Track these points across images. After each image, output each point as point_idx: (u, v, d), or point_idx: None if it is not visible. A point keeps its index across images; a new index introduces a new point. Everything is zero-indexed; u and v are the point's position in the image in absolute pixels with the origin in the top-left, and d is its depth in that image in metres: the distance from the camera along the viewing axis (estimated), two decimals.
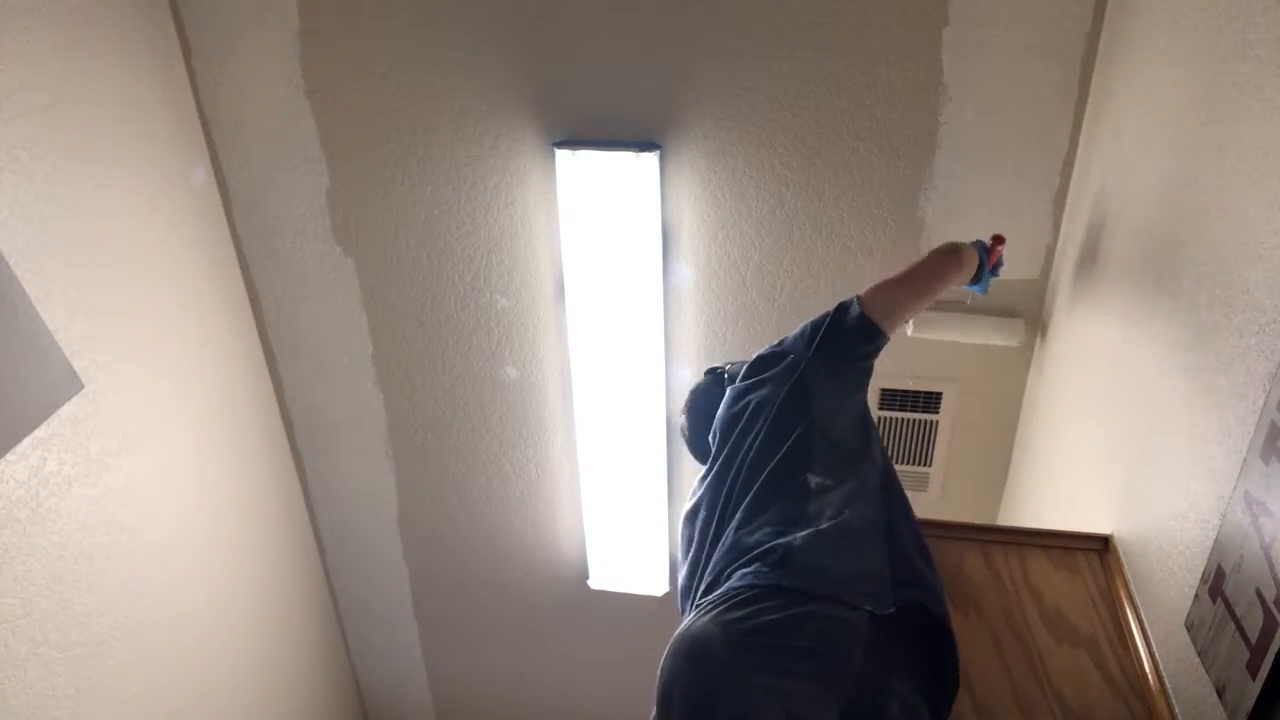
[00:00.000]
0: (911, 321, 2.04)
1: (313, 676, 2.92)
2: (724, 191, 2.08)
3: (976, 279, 1.63)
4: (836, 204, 2.04)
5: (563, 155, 2.05)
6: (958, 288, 1.66)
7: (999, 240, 1.67)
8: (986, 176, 1.94)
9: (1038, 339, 2.10)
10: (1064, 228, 1.95)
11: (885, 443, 2.30)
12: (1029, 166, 1.91)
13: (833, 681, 0.98)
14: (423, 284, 2.35)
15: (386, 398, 2.55)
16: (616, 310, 2.22)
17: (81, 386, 1.89)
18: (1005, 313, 2.09)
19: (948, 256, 1.53)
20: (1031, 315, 2.09)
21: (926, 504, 2.36)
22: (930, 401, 2.24)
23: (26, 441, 1.76)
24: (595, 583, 2.72)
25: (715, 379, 1.45)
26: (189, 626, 2.28)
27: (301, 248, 2.36)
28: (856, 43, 1.86)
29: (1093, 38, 1.76)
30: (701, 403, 1.44)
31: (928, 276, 1.48)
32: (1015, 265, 2.02)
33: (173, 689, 2.23)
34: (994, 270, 1.67)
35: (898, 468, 2.29)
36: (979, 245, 1.63)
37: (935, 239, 2.03)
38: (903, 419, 2.27)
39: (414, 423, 2.58)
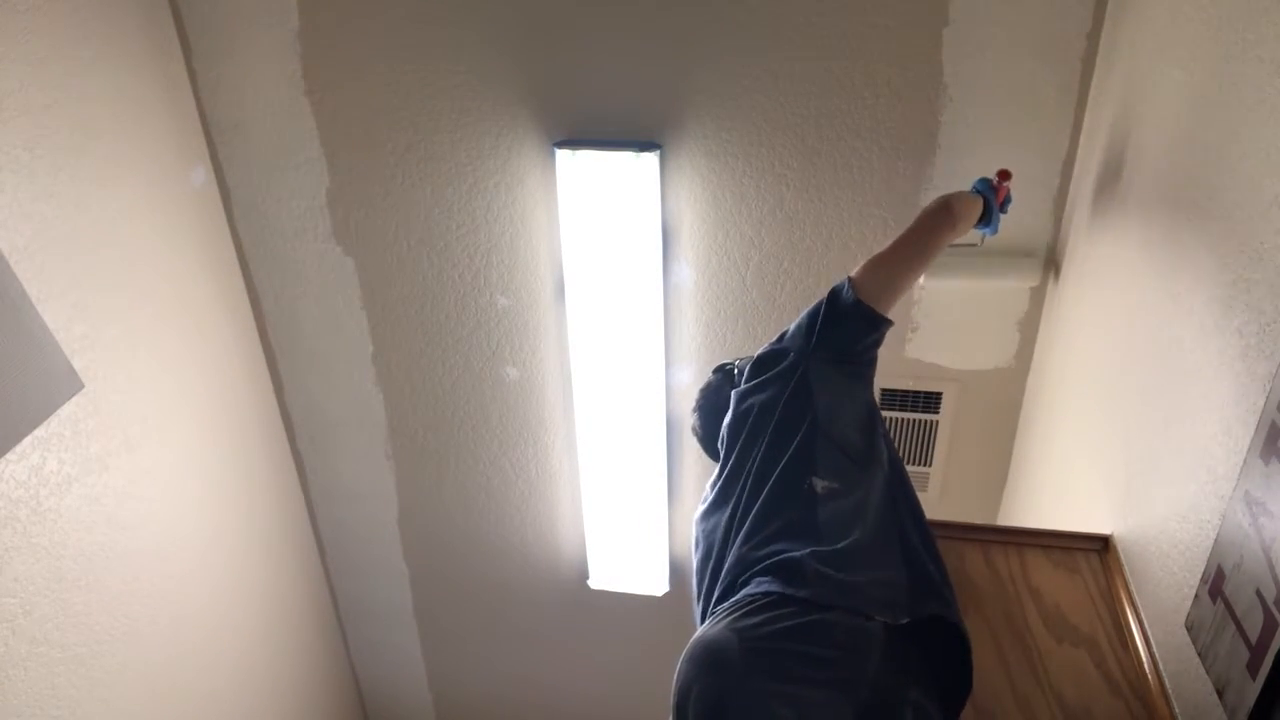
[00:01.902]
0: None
1: (313, 676, 2.92)
2: (724, 191, 2.09)
3: (986, 220, 1.55)
4: (836, 204, 2.04)
5: (563, 155, 2.05)
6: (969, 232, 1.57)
7: (1005, 175, 1.58)
8: (986, 177, 1.94)
9: (1038, 339, 2.10)
10: (1064, 226, 1.95)
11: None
12: (1029, 166, 1.91)
13: (847, 689, 0.97)
14: (423, 284, 2.35)
15: (386, 398, 2.55)
16: (616, 310, 2.22)
17: (81, 386, 1.89)
18: (1020, 251, 2.01)
19: (940, 215, 1.43)
20: (1029, 319, 2.09)
21: (926, 504, 2.32)
22: (930, 401, 2.24)
23: (26, 441, 1.76)
24: (595, 583, 2.72)
25: (725, 376, 1.42)
26: (189, 626, 2.28)
27: (301, 248, 2.36)
28: (856, 43, 1.86)
29: (1093, 38, 1.76)
30: (712, 401, 1.40)
31: (921, 243, 1.39)
32: (1017, 265, 2.02)
33: (173, 689, 2.24)
34: (1003, 207, 1.59)
35: None
36: (984, 184, 1.55)
37: None
38: (903, 419, 2.27)
39: (414, 423, 2.58)
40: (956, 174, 1.95)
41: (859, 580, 1.07)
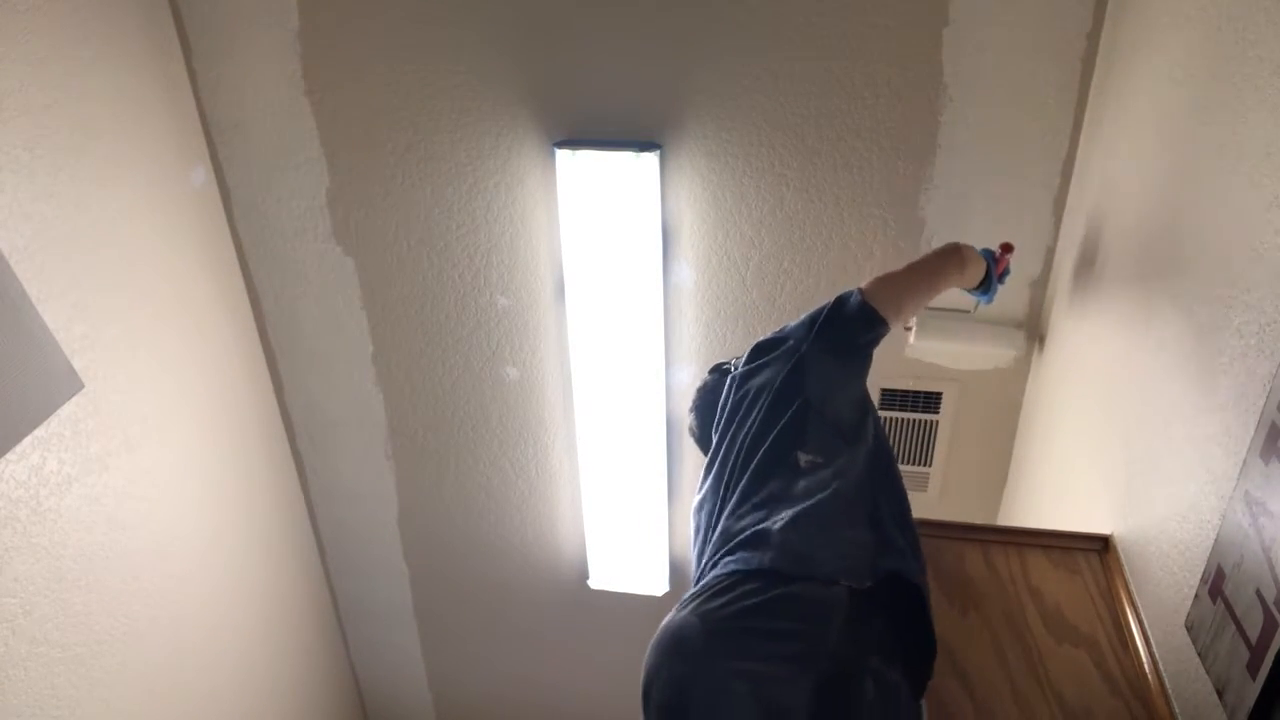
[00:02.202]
0: (914, 331, 2.04)
1: (313, 676, 2.92)
2: (724, 191, 2.09)
3: (985, 288, 1.61)
4: (836, 204, 2.04)
5: (563, 155, 2.05)
6: (964, 294, 1.65)
7: (1007, 249, 1.65)
8: (987, 176, 1.94)
9: (1038, 340, 2.10)
10: (1064, 227, 1.95)
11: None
12: (1029, 167, 1.91)
13: (806, 661, 0.99)
14: (423, 284, 2.35)
15: (386, 398, 2.55)
16: (616, 310, 2.22)
17: (81, 386, 1.89)
18: (1006, 321, 2.09)
19: (949, 255, 1.51)
20: (1032, 316, 2.09)
21: (926, 504, 2.36)
22: (930, 401, 2.24)
23: (26, 441, 1.76)
24: (595, 583, 2.72)
25: (722, 376, 1.45)
26: (189, 626, 2.28)
27: (301, 248, 2.36)
28: (856, 43, 1.86)
29: (1093, 38, 1.76)
30: (709, 400, 1.43)
31: (929, 274, 1.46)
32: (1016, 266, 2.02)
33: (172, 689, 2.24)
34: (1001, 278, 1.65)
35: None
36: (986, 254, 1.61)
37: (936, 239, 2.04)
38: (903, 419, 2.27)
39: (414, 423, 2.58)
40: (956, 174, 1.95)
41: (823, 548, 1.08)
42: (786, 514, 1.11)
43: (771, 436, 1.22)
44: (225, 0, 2.07)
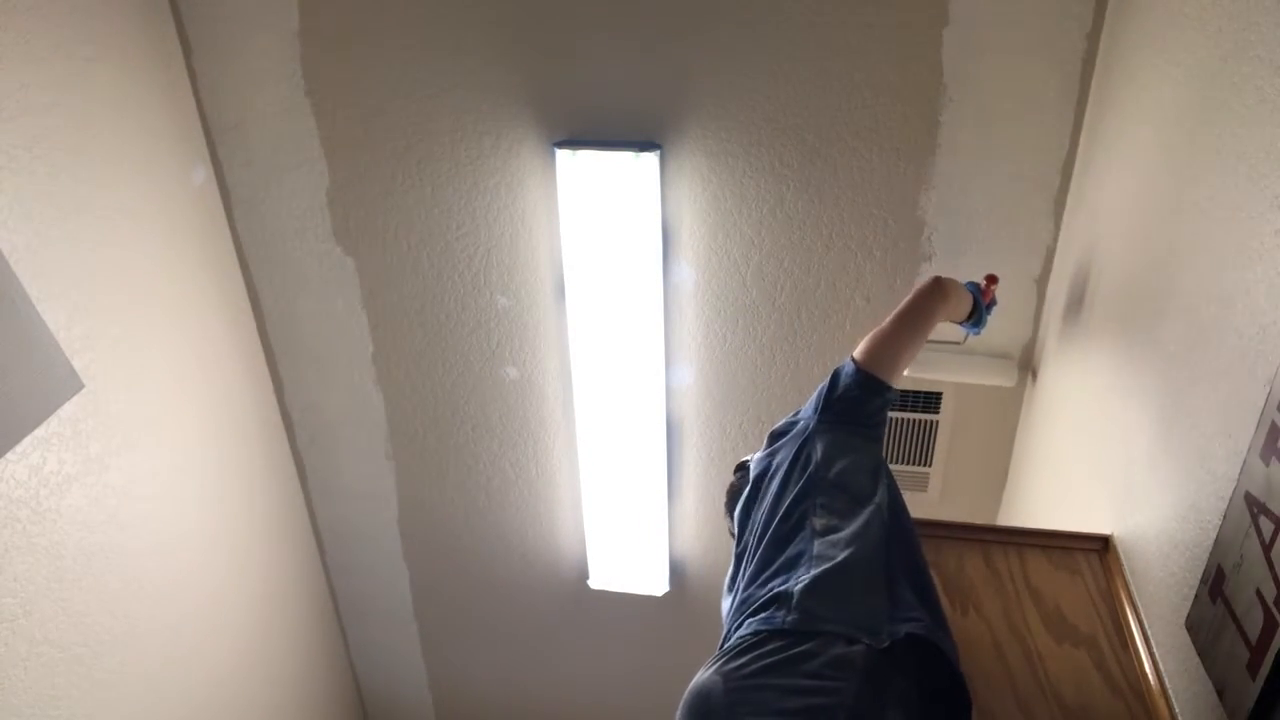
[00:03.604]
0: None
1: (313, 676, 2.93)
2: (724, 191, 2.09)
3: (975, 320, 1.63)
4: (836, 204, 2.04)
5: (563, 155, 2.05)
6: (954, 327, 1.65)
7: (992, 280, 1.67)
8: (986, 177, 1.94)
9: (1037, 341, 2.10)
10: (1064, 226, 1.95)
11: (885, 444, 2.29)
12: (1029, 167, 1.91)
13: (823, 715, 1.00)
14: (423, 284, 2.35)
15: (386, 398, 2.55)
16: (616, 310, 2.22)
17: (81, 386, 1.89)
18: (999, 352, 2.12)
19: (932, 292, 1.49)
20: (1030, 320, 2.09)
21: (926, 504, 2.36)
22: (930, 401, 2.24)
23: (26, 441, 1.76)
24: (595, 583, 2.72)
25: (745, 471, 1.46)
26: (189, 626, 2.29)
27: (301, 248, 2.36)
28: (856, 43, 1.86)
29: (1093, 38, 1.76)
30: (735, 497, 1.45)
31: (917, 318, 1.45)
32: (1016, 265, 2.03)
33: (172, 689, 2.24)
34: (989, 309, 1.66)
35: (898, 468, 2.30)
36: (972, 286, 1.62)
37: (935, 239, 2.04)
38: (903, 419, 2.27)
39: (414, 423, 2.58)
40: (956, 174, 1.95)
41: (842, 607, 1.10)
42: (805, 576, 1.13)
43: (784, 507, 1.24)
44: (225, 0, 2.07)
